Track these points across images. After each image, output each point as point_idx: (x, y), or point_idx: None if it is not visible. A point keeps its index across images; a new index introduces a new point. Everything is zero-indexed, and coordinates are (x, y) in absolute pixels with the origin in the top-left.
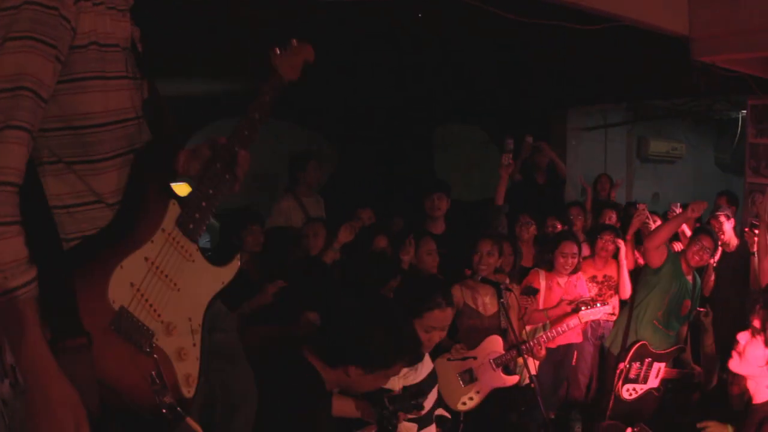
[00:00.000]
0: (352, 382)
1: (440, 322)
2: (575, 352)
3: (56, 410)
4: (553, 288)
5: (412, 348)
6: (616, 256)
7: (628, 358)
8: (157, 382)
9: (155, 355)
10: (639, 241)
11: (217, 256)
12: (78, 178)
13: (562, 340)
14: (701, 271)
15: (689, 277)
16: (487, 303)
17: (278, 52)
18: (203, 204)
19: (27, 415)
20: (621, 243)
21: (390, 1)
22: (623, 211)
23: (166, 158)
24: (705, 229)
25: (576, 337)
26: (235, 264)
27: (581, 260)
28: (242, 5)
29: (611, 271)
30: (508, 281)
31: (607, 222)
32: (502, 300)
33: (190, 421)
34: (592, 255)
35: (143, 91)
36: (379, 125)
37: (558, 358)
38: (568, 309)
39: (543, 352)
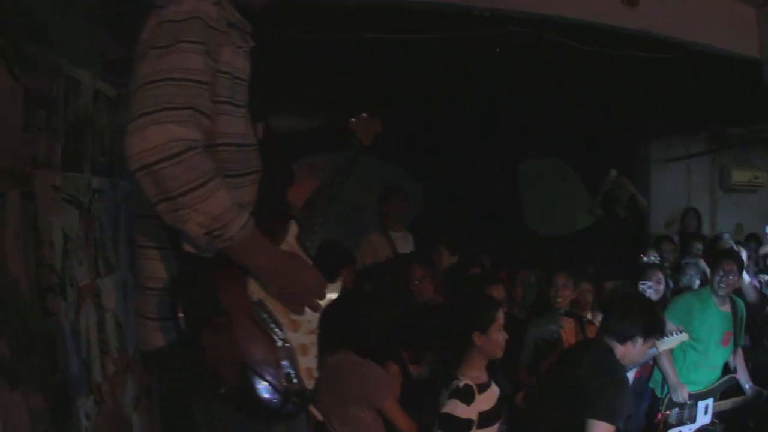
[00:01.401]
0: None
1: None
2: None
3: (304, 265)
4: None
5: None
6: None
7: (664, 404)
8: (289, 369)
9: (287, 345)
10: None
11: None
12: None
13: (644, 371)
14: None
15: (725, 307)
16: (567, 339)
17: (354, 120)
18: (320, 221)
19: (288, 289)
20: None
21: (469, 40)
22: (709, 243)
23: (285, 186)
24: (723, 253)
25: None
26: (339, 284)
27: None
28: (329, 50)
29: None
30: (589, 315)
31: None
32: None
33: (312, 408)
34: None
35: (258, 128)
36: (463, 162)
37: (639, 389)
38: None
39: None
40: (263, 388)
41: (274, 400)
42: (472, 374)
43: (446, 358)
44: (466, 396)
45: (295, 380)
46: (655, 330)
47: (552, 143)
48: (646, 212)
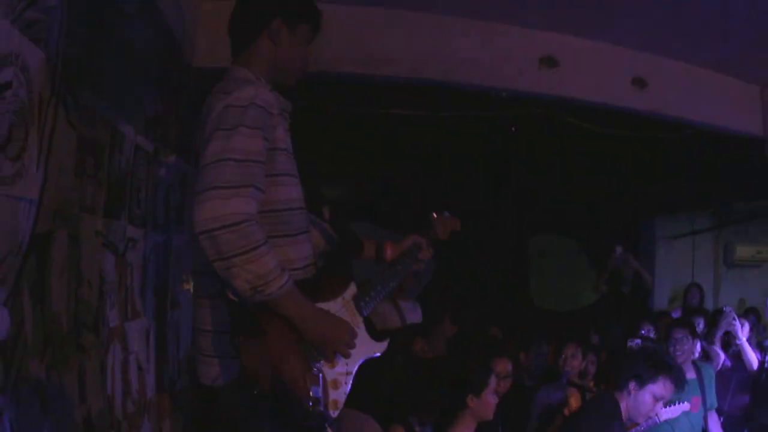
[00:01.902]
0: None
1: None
2: None
3: (335, 320)
4: None
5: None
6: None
7: None
8: (316, 393)
9: (319, 376)
10: (726, 345)
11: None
12: (279, 249)
13: None
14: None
15: (688, 375)
16: (572, 405)
17: (435, 215)
18: (378, 289)
19: (318, 337)
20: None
21: (483, 117)
22: (711, 317)
23: (351, 254)
24: (672, 322)
25: None
26: (384, 344)
27: None
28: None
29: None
30: (592, 384)
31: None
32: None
33: (329, 430)
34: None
35: (325, 210)
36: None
37: None
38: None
39: None
40: (291, 400)
41: (298, 414)
42: None
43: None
44: None
45: (319, 405)
46: (646, 375)
47: (561, 219)
48: (650, 288)
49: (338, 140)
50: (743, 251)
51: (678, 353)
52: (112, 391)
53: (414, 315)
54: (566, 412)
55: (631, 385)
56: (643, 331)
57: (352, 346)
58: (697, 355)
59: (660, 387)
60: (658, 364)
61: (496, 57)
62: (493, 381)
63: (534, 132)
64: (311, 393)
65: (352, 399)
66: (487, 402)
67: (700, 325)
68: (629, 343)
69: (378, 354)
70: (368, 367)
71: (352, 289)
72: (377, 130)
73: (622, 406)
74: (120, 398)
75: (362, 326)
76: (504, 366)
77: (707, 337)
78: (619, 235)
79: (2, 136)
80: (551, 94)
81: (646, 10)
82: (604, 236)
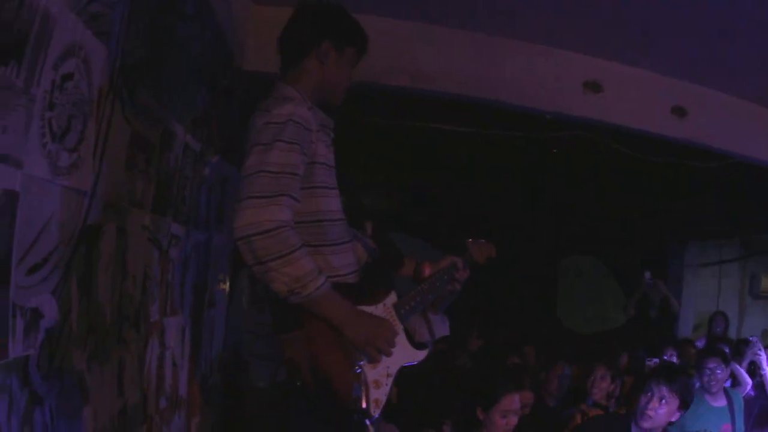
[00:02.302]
0: None
1: (512, 406)
2: None
3: (376, 320)
4: None
5: None
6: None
7: None
8: (358, 390)
9: (361, 374)
10: (752, 374)
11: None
12: (321, 257)
13: None
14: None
15: (719, 402)
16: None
17: (471, 241)
18: (417, 300)
19: (356, 338)
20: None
21: (526, 137)
22: (735, 347)
23: (393, 266)
24: (704, 352)
25: None
26: (425, 353)
27: None
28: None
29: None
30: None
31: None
32: None
33: (371, 428)
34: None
35: (368, 226)
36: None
37: None
38: None
39: None
40: (332, 395)
41: (340, 409)
42: None
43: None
44: None
45: (361, 402)
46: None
47: (593, 239)
48: (676, 314)
49: (377, 151)
50: None
51: (713, 383)
52: (147, 386)
53: (442, 328)
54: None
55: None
56: (665, 356)
57: (393, 344)
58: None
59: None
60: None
61: (542, 79)
62: (507, 402)
63: (573, 153)
64: (353, 390)
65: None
66: (495, 421)
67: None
68: (647, 362)
69: (416, 362)
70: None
71: (392, 297)
72: (416, 143)
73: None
74: (154, 393)
75: (402, 333)
76: (526, 399)
77: None
78: (648, 261)
79: (61, 127)
80: (593, 119)
81: (690, 40)
82: (634, 261)
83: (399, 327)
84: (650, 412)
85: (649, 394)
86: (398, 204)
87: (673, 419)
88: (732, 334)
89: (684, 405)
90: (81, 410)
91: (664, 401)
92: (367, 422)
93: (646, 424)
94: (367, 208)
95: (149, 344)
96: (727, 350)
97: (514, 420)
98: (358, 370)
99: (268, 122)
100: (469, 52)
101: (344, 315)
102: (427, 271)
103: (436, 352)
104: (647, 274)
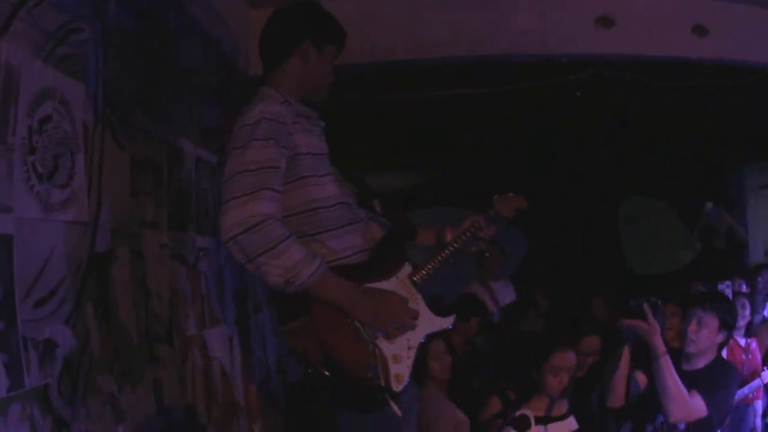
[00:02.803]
0: None
1: (562, 363)
2: (755, 413)
3: (384, 294)
4: (735, 349)
5: None
6: None
7: None
8: (373, 369)
9: (374, 351)
10: None
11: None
12: (320, 244)
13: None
14: None
15: None
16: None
17: (497, 196)
18: (435, 267)
19: (367, 315)
20: None
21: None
22: None
23: (404, 237)
24: None
25: (754, 398)
26: (451, 320)
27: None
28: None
29: None
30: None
31: None
32: None
33: (393, 405)
34: None
35: (376, 203)
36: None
37: (738, 417)
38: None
39: None
40: (344, 376)
41: (356, 389)
42: (532, 406)
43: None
44: (520, 425)
45: (377, 379)
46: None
47: (646, 181)
48: (744, 243)
49: (388, 129)
50: None
51: None
52: (194, 398)
53: (506, 294)
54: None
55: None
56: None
57: (408, 317)
58: None
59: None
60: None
61: (552, 24)
62: (558, 359)
63: (599, 93)
64: (368, 369)
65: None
66: (547, 380)
67: None
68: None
69: (443, 328)
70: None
71: (406, 268)
72: (429, 115)
73: None
74: (203, 404)
75: (422, 302)
76: (593, 343)
77: None
78: (708, 191)
79: (48, 167)
80: (610, 54)
81: None
82: (693, 193)
83: (417, 297)
84: (692, 336)
85: (688, 320)
86: (419, 181)
87: (717, 340)
88: None
89: (725, 325)
90: (115, 429)
91: (702, 323)
92: (390, 400)
93: (690, 349)
94: (371, 188)
95: (188, 358)
96: None
97: (566, 377)
98: (371, 348)
99: (242, 125)
100: (474, 11)
101: (347, 295)
102: (448, 236)
103: (505, 318)
104: (709, 205)
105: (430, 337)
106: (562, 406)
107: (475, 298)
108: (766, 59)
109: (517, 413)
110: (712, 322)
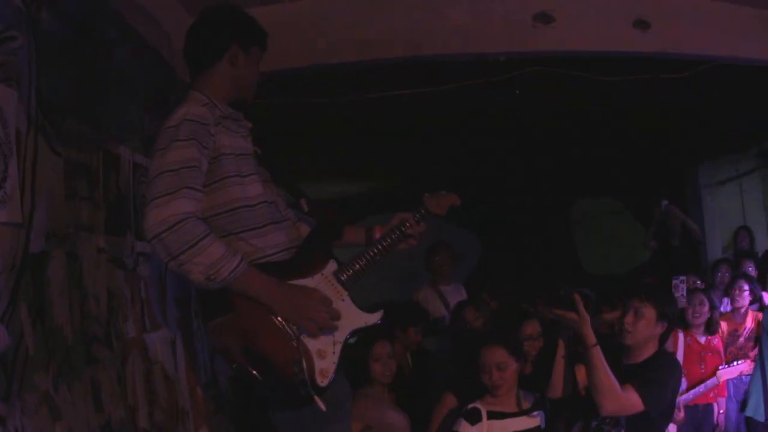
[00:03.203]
0: None
1: (488, 359)
2: (717, 412)
3: (304, 291)
4: (693, 346)
5: None
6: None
7: None
8: (297, 363)
9: (298, 346)
10: None
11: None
12: (244, 242)
13: (701, 400)
14: None
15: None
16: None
17: (427, 195)
18: (361, 264)
19: (287, 311)
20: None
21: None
22: (763, 260)
23: (329, 235)
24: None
25: (717, 396)
26: (378, 315)
27: (718, 317)
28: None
29: (751, 323)
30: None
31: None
32: None
33: (318, 400)
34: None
35: (302, 203)
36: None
37: (698, 418)
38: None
39: (681, 414)
40: (268, 371)
41: (281, 384)
42: (486, 401)
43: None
44: (471, 418)
45: (301, 374)
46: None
47: (600, 180)
48: (698, 238)
49: (343, 133)
50: None
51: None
52: (134, 401)
53: (458, 297)
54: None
55: None
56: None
57: (327, 314)
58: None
59: None
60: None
61: (489, 22)
62: (482, 357)
63: (540, 91)
64: (291, 364)
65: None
66: (483, 379)
67: (750, 269)
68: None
69: (369, 324)
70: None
71: (331, 265)
72: (380, 117)
73: None
74: (145, 407)
75: (348, 299)
76: (533, 328)
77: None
78: (663, 189)
79: None
80: (551, 51)
81: None
82: (648, 192)
83: (342, 293)
84: (628, 327)
85: (625, 311)
86: (381, 185)
87: (656, 331)
88: (766, 246)
89: (663, 315)
90: (52, 427)
91: (639, 314)
92: (314, 395)
93: (628, 341)
94: (301, 189)
95: (129, 361)
96: (752, 266)
97: (497, 374)
98: (295, 343)
99: (166, 128)
100: (409, 11)
101: (268, 291)
102: (377, 234)
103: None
104: (664, 203)
105: (356, 333)
106: (526, 402)
107: (412, 307)
108: (711, 51)
109: (470, 406)
110: (649, 312)
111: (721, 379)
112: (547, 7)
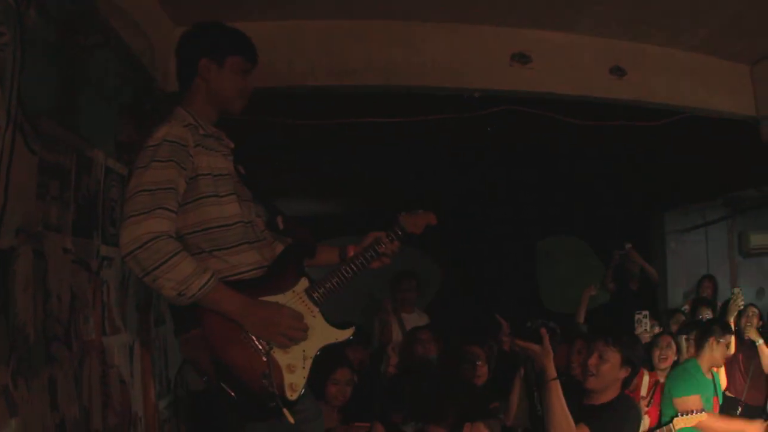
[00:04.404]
0: None
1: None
2: None
3: (274, 308)
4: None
5: None
6: None
7: None
8: (266, 377)
9: (268, 360)
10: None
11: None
12: (218, 259)
13: None
14: None
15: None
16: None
17: (403, 214)
18: (333, 281)
19: (258, 327)
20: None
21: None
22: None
23: (302, 253)
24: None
25: None
26: (349, 332)
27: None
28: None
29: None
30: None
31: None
32: None
33: (286, 412)
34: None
35: (279, 220)
36: (482, 242)
37: None
38: None
39: None
40: (238, 384)
41: (250, 398)
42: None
43: None
44: None
45: (270, 387)
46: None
47: (567, 220)
48: (656, 283)
49: (317, 154)
50: (758, 239)
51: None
52: (89, 402)
53: (419, 323)
54: None
55: None
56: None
57: (297, 329)
58: None
59: None
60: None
61: (467, 58)
62: None
63: (519, 132)
64: (260, 377)
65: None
66: None
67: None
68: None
69: (340, 340)
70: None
71: (303, 282)
72: (354, 141)
73: None
74: (99, 410)
75: (319, 315)
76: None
77: None
78: (628, 233)
79: None
80: (525, 90)
81: None
82: (613, 235)
83: (314, 310)
84: (592, 369)
85: (589, 353)
86: (349, 208)
87: (620, 376)
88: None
89: (627, 361)
90: (9, 420)
91: (603, 357)
92: (283, 408)
93: (590, 385)
94: (278, 208)
95: (86, 362)
96: (710, 314)
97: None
98: (264, 358)
99: (146, 146)
100: (388, 41)
101: (237, 307)
102: (351, 252)
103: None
104: (628, 246)
105: (325, 349)
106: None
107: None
108: (685, 102)
109: None
110: (613, 357)
111: (678, 426)
112: (525, 48)
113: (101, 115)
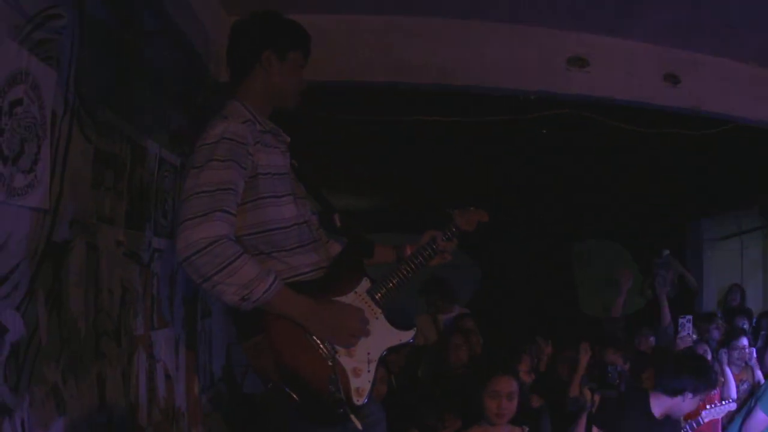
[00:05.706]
0: None
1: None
2: None
3: (341, 308)
4: None
5: None
6: None
7: None
8: (333, 382)
9: (334, 365)
10: None
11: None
12: (277, 261)
13: None
14: None
15: None
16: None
17: (456, 211)
18: (393, 281)
19: (324, 330)
20: None
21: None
22: (757, 319)
23: (361, 253)
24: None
25: None
26: (411, 333)
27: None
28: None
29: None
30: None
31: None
32: None
33: (353, 418)
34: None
35: (335, 218)
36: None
37: None
38: None
39: None
40: (305, 390)
41: (317, 403)
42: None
43: None
44: None
45: (337, 392)
46: (704, 387)
47: (607, 223)
48: (695, 291)
49: (366, 150)
50: None
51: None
52: (136, 398)
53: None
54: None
55: (689, 395)
56: (683, 333)
57: (365, 330)
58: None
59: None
60: (712, 378)
61: (524, 60)
62: (494, 384)
63: (566, 132)
64: (327, 382)
65: None
66: (487, 405)
67: (745, 325)
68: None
69: (403, 342)
70: None
71: (365, 283)
72: (406, 138)
73: (666, 403)
74: (145, 406)
75: (381, 316)
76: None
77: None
78: (665, 239)
79: (14, 150)
80: (581, 94)
81: (675, 5)
82: (651, 240)
83: (376, 311)
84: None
85: None
86: (394, 204)
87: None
88: (759, 305)
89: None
90: (56, 420)
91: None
92: (350, 414)
93: None
94: (333, 205)
95: (135, 357)
96: (746, 322)
97: (506, 403)
98: (330, 362)
99: (202, 144)
100: (448, 39)
101: (303, 310)
102: (408, 251)
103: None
104: (665, 253)
105: (392, 351)
106: None
107: None
108: (734, 112)
109: None
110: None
111: (706, 420)
112: (582, 52)
113: (156, 104)
